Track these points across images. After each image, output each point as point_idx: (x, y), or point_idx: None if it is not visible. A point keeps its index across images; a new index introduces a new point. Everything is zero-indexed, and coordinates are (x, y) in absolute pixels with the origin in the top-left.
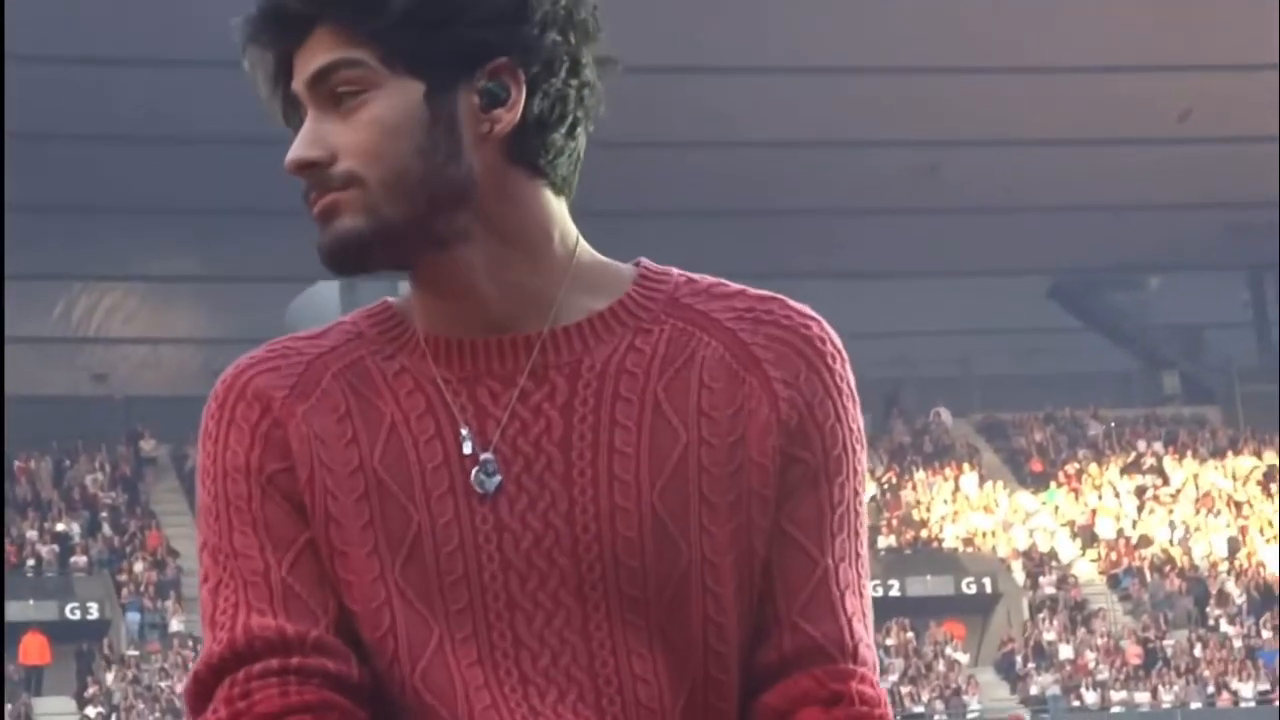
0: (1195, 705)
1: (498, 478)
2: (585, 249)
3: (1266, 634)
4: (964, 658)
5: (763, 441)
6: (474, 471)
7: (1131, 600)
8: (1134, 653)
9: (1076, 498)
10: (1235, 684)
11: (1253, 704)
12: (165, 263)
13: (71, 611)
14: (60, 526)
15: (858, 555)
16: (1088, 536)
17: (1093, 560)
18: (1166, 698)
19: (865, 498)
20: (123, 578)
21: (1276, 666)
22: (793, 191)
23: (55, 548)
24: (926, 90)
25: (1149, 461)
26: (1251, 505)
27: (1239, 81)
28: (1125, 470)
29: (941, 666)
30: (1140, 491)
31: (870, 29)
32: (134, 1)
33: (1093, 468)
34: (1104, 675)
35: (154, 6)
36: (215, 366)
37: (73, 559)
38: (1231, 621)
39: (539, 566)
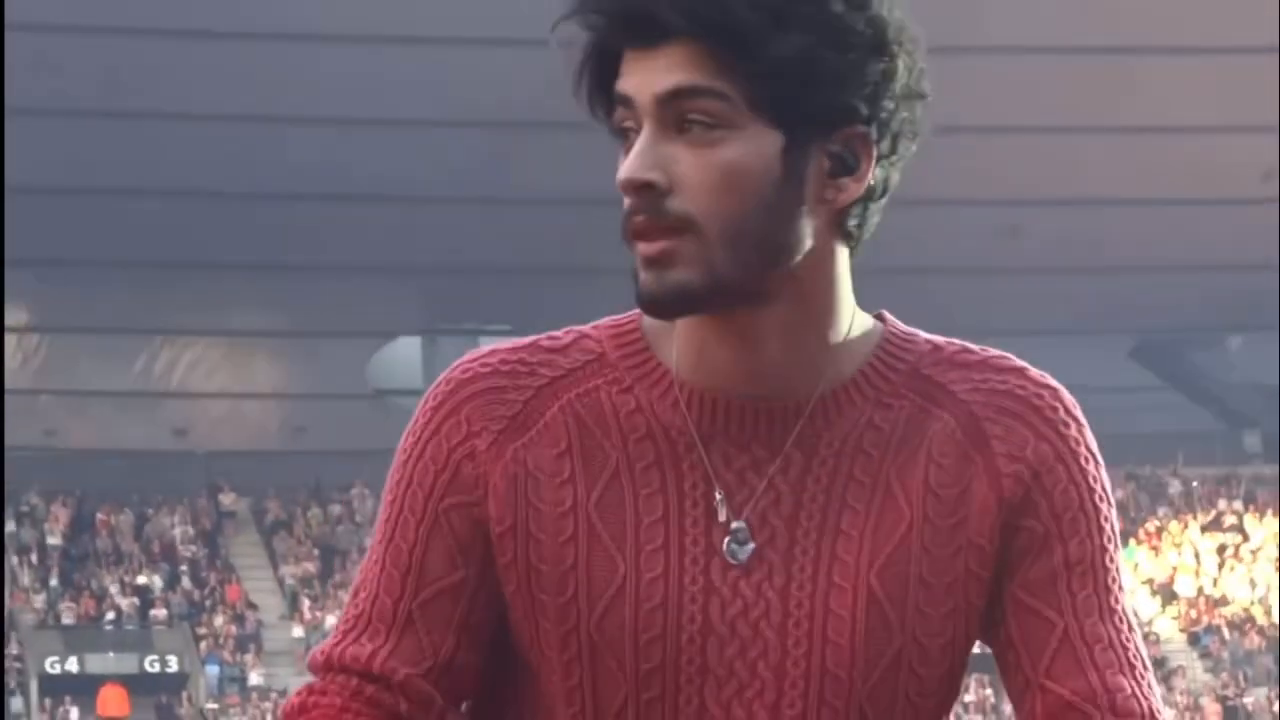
0: None
1: (750, 545)
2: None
3: None
4: None
5: (982, 522)
6: (726, 540)
7: (1211, 658)
8: (1213, 710)
9: (1156, 555)
10: None
11: None
12: (247, 317)
13: (151, 664)
14: (141, 579)
15: (1111, 610)
16: (1167, 594)
17: (1173, 618)
18: None
19: (1117, 555)
20: (202, 630)
21: None
22: (882, 249)
23: (135, 600)
24: (1009, 150)
25: (1229, 520)
26: None
27: None
28: (1206, 528)
29: None
30: (1220, 549)
31: (954, 89)
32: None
33: (1173, 525)
34: None
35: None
36: (295, 423)
37: (152, 612)
38: None
39: (742, 635)
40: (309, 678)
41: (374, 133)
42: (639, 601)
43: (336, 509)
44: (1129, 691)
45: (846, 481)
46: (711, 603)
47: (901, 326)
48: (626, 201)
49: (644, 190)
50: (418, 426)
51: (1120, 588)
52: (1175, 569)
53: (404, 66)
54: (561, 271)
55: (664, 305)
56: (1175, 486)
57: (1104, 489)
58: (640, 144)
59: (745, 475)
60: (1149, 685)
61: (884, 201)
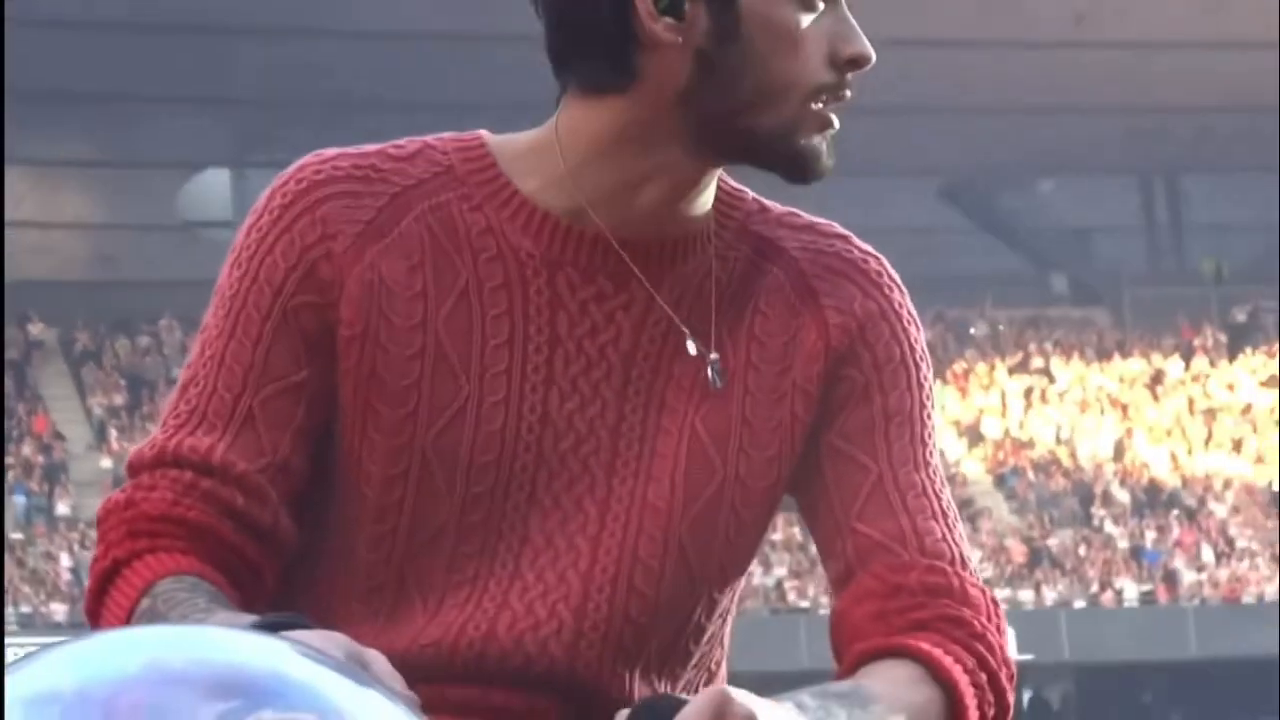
0: (1079, 604)
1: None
2: None
3: (1150, 534)
4: None
5: (809, 368)
6: (568, 368)
7: (1017, 499)
8: (1019, 551)
9: (963, 397)
10: (1119, 583)
11: (1136, 603)
12: (55, 147)
13: None
14: None
15: (925, 462)
16: (974, 436)
17: (979, 459)
18: (1050, 596)
19: (933, 414)
20: (9, 460)
21: (1160, 566)
22: None
23: None
24: None
25: (1036, 362)
26: (1137, 407)
27: None
28: (1012, 371)
29: None
30: (1027, 392)
31: None
32: None
33: (980, 367)
34: (989, 573)
35: None
36: (104, 252)
37: None
38: (1116, 522)
39: (571, 468)
40: None
41: None
42: (479, 424)
43: (145, 340)
44: (939, 535)
45: (681, 329)
46: (546, 433)
47: (730, 181)
48: (836, 71)
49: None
50: (264, 223)
51: (934, 444)
52: (982, 411)
53: None
54: (370, 106)
55: (822, 174)
56: (983, 328)
57: (923, 351)
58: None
59: (588, 306)
60: (959, 534)
61: None
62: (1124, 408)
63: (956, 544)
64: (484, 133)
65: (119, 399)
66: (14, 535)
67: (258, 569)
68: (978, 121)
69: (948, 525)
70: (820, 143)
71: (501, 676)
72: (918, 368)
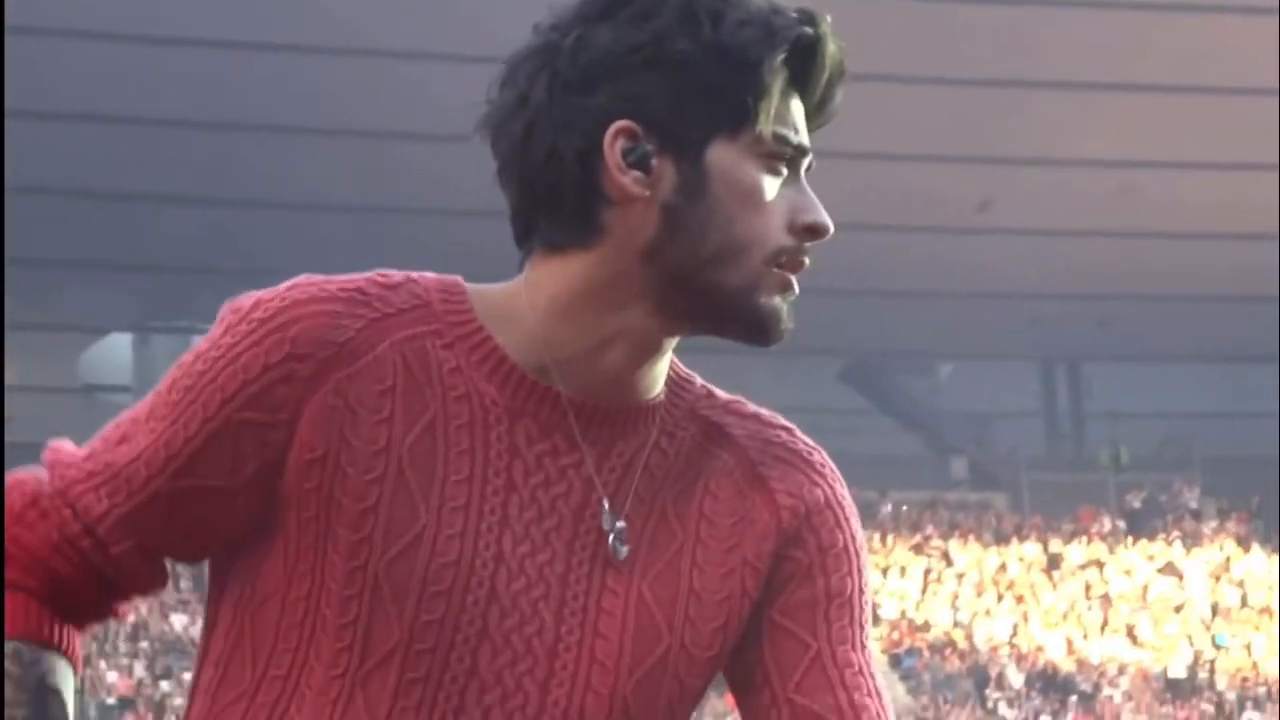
0: None
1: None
2: None
3: (1044, 718)
4: None
5: (760, 546)
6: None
7: (913, 679)
8: None
9: None
10: None
11: None
12: None
13: None
14: None
15: (862, 645)
16: (873, 616)
17: (877, 639)
18: None
19: (869, 602)
20: None
21: None
22: None
23: None
24: None
25: (934, 544)
26: (1034, 591)
27: (1040, 175)
28: (910, 551)
29: None
30: (925, 573)
31: None
32: None
33: (878, 548)
34: None
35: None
36: (5, 413)
37: None
38: (1010, 705)
39: (522, 609)
40: None
41: (89, 127)
42: (434, 554)
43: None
44: (873, 711)
45: (628, 494)
46: (499, 572)
47: (681, 367)
48: (794, 237)
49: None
50: (240, 330)
51: (869, 631)
52: (878, 592)
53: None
54: (276, 274)
55: (780, 335)
56: (883, 509)
57: (862, 540)
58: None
59: (543, 459)
60: (890, 713)
61: None
62: (1020, 592)
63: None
64: (461, 279)
65: None
66: None
67: (98, 609)
68: (879, 304)
69: (881, 705)
70: (780, 304)
71: None
72: (858, 555)
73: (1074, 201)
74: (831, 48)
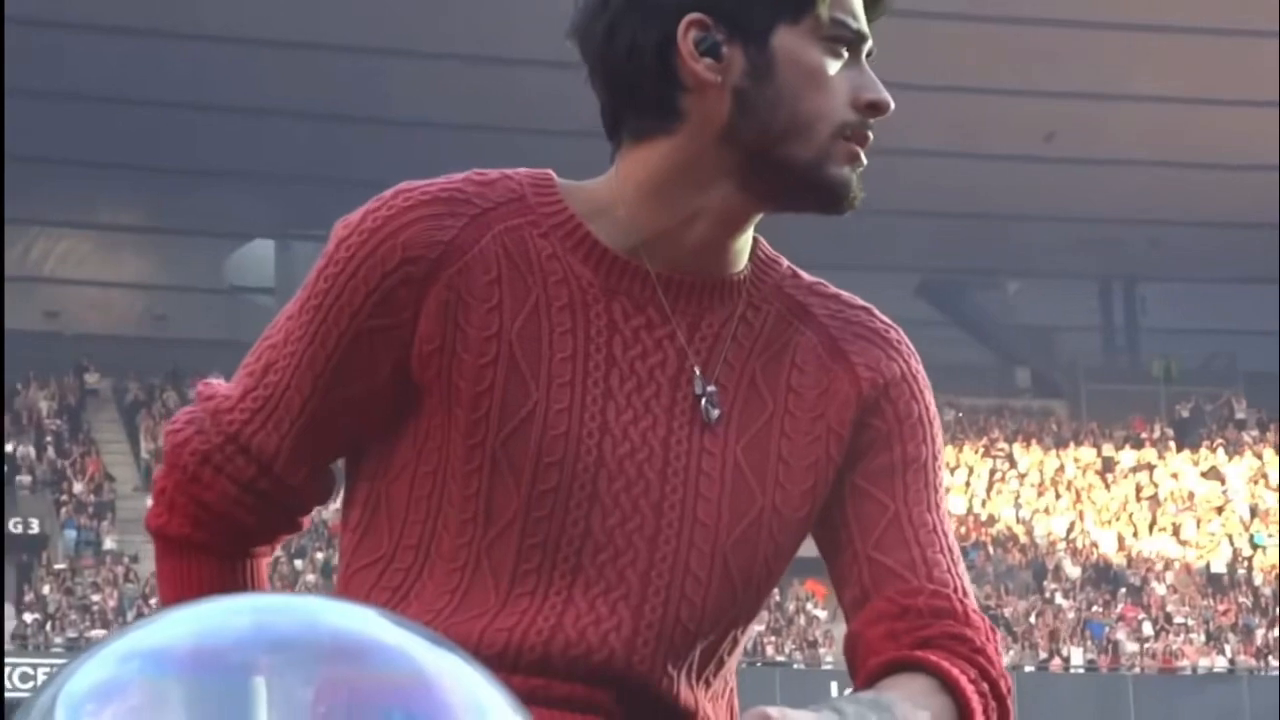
0: (1029, 668)
1: (715, 399)
2: None
3: (1097, 608)
4: (822, 614)
5: (843, 414)
6: (629, 390)
7: (976, 570)
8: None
9: None
10: (1066, 651)
11: (1081, 670)
12: (116, 214)
13: (14, 526)
14: (8, 447)
15: (935, 505)
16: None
17: None
18: (1003, 660)
19: (942, 466)
20: (63, 498)
21: (1104, 637)
22: None
23: (4, 467)
24: None
25: (999, 446)
26: (1089, 492)
27: (1100, 108)
28: (977, 453)
29: (802, 621)
30: (990, 474)
31: None
32: None
33: (947, 449)
34: None
35: None
36: (156, 311)
37: (18, 478)
38: (1066, 595)
39: (628, 473)
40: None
41: (241, 51)
42: (545, 428)
43: (191, 393)
44: (945, 567)
45: (719, 362)
46: (605, 441)
47: (769, 248)
48: (859, 113)
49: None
50: (353, 242)
51: (943, 492)
52: (947, 489)
53: None
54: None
55: (850, 201)
56: (950, 414)
57: (935, 413)
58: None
59: (639, 333)
60: (962, 568)
61: None
62: (1077, 492)
63: (959, 575)
64: (552, 172)
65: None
66: (64, 566)
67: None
68: (953, 225)
69: (952, 559)
70: (850, 174)
71: (565, 668)
72: (931, 425)
73: (1129, 134)
74: None
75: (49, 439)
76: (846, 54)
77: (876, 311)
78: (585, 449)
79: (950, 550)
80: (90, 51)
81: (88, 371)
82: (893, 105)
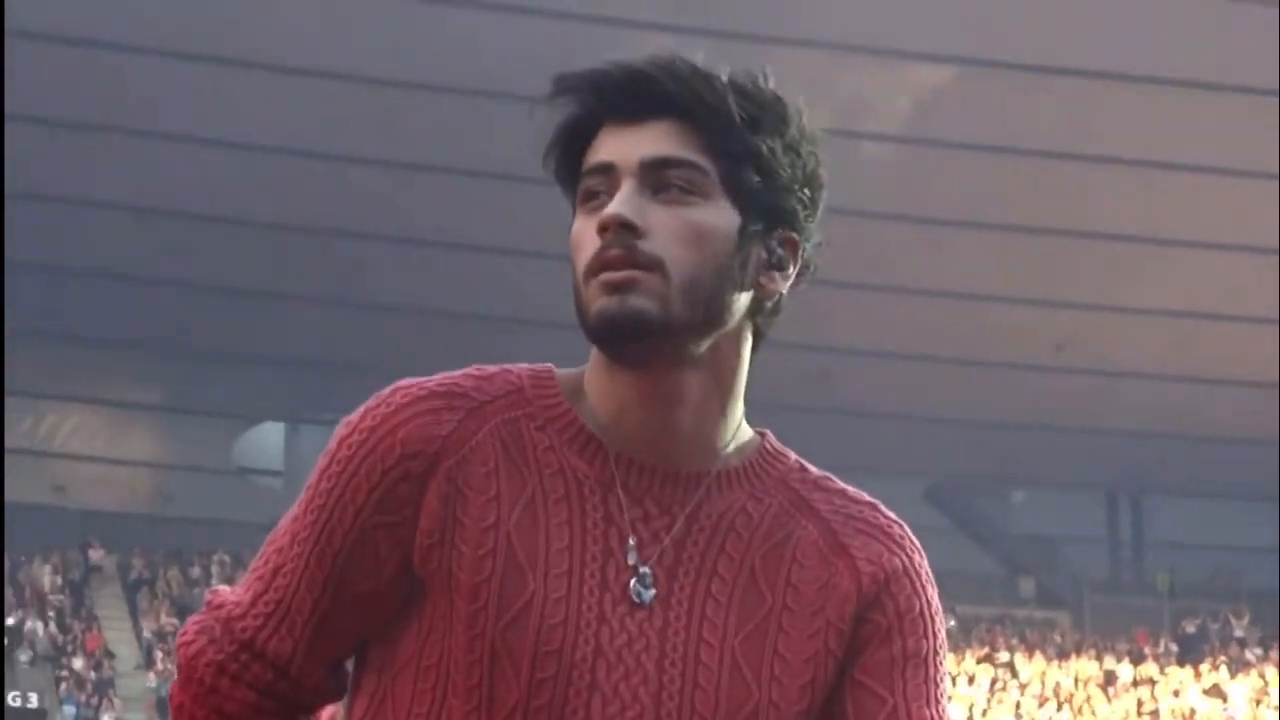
0: None
1: (653, 590)
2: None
3: None
4: None
5: (843, 609)
6: (632, 581)
7: None
8: None
9: None
10: None
11: None
12: (127, 392)
13: (14, 699)
14: (10, 620)
15: (936, 700)
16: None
17: None
18: None
19: (944, 662)
20: (63, 673)
21: None
22: None
23: (3, 641)
24: (823, 302)
25: (1001, 656)
26: (1090, 704)
27: (1109, 320)
28: (979, 661)
29: None
30: (992, 683)
31: None
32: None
33: (949, 657)
34: None
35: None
36: (164, 490)
37: (18, 651)
38: None
39: (626, 663)
40: None
41: (257, 234)
42: (543, 617)
43: (196, 571)
44: None
45: (718, 553)
46: (603, 630)
47: (776, 442)
48: (601, 240)
49: (623, 229)
50: (354, 441)
51: (944, 688)
52: (950, 697)
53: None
54: (404, 373)
55: (619, 326)
56: (952, 621)
57: (938, 607)
58: (623, 194)
59: (635, 525)
60: None
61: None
62: (1078, 704)
63: None
64: (553, 366)
65: (168, 624)
66: None
67: None
68: (962, 431)
69: None
70: (606, 302)
71: None
72: (933, 620)
73: (1138, 347)
74: (602, 67)
75: (51, 613)
76: (603, 193)
77: (882, 507)
78: (583, 638)
79: None
80: (104, 229)
81: (92, 547)
82: (622, 216)
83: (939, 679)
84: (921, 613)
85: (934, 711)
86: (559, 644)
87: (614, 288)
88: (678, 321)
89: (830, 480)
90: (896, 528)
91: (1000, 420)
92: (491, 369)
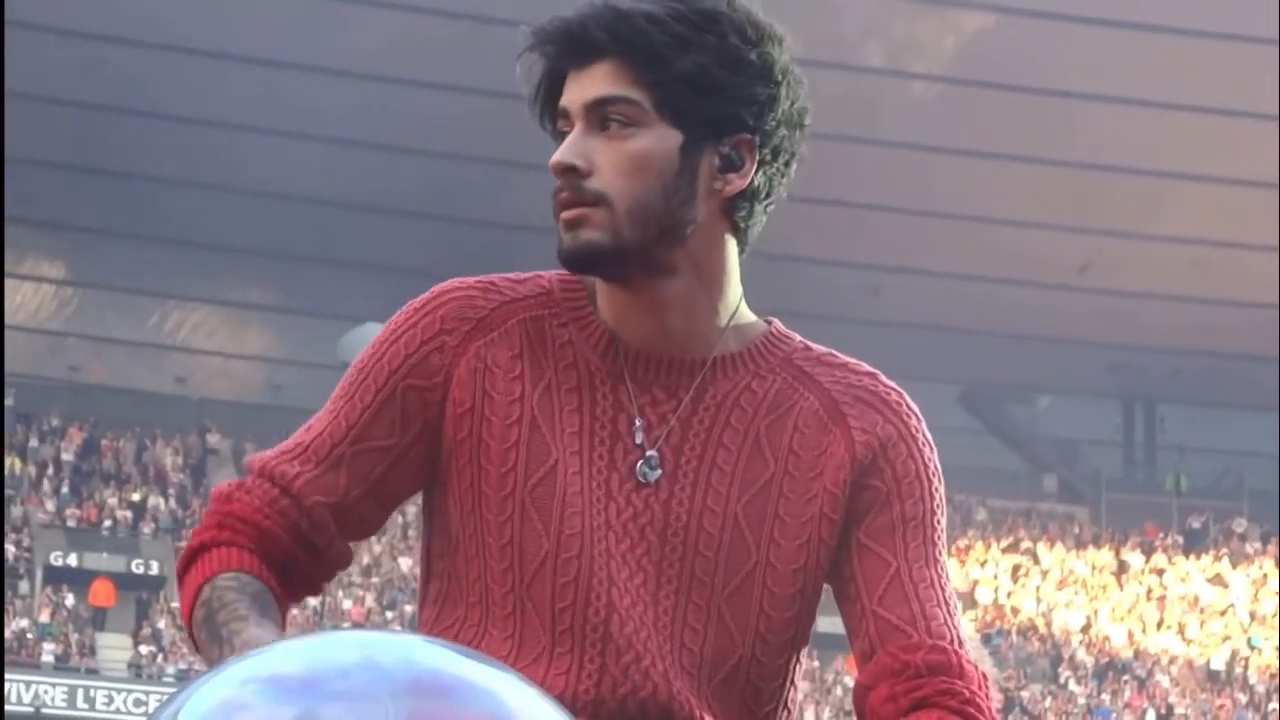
0: None
1: (659, 471)
2: (742, 299)
3: (1105, 696)
4: None
5: (837, 475)
6: (639, 463)
7: (999, 656)
8: (996, 698)
9: (962, 567)
10: None
11: None
12: (244, 293)
13: (136, 566)
14: (135, 496)
15: (934, 559)
16: (968, 601)
17: (971, 620)
18: (993, 706)
19: (942, 520)
20: (181, 544)
21: None
22: (764, 298)
23: (129, 513)
24: (875, 224)
25: (1025, 545)
26: (1104, 590)
27: (1130, 245)
28: (1005, 550)
29: (839, 691)
30: (1015, 569)
31: (842, 170)
32: (180, 63)
33: (978, 545)
34: None
35: (246, 78)
36: (275, 382)
37: (142, 524)
38: (1078, 682)
39: (631, 535)
40: None
41: (366, 154)
42: (566, 481)
43: None
44: (942, 620)
45: (724, 427)
46: (610, 506)
47: (782, 327)
48: (556, 182)
49: (568, 172)
50: (399, 320)
51: (942, 546)
52: (976, 581)
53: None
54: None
55: (577, 259)
56: (981, 513)
57: (936, 468)
58: (569, 139)
59: (644, 410)
60: (958, 619)
61: (769, 204)
62: (1093, 590)
63: (955, 627)
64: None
65: None
66: (175, 604)
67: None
68: (994, 343)
69: (949, 612)
70: (562, 233)
71: (616, 707)
72: (930, 482)
73: (1154, 270)
74: (557, 22)
75: (172, 490)
76: (572, 131)
77: (881, 376)
78: (595, 510)
79: (947, 603)
80: (229, 150)
81: (210, 432)
82: (565, 161)
83: (937, 538)
84: (918, 476)
85: (933, 571)
86: (580, 505)
87: (568, 225)
88: (631, 244)
89: (833, 355)
90: (894, 395)
91: (1028, 333)
92: (528, 275)
